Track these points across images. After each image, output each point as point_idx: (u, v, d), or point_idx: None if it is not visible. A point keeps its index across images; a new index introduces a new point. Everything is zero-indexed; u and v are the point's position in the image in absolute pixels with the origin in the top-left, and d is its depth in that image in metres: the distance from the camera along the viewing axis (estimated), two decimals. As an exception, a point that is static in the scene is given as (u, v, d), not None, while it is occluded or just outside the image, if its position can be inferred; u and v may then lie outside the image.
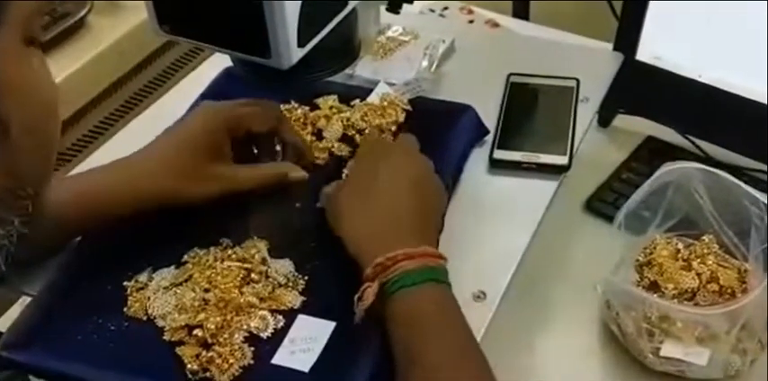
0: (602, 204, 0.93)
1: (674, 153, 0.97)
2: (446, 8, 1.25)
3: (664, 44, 0.93)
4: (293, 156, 0.77)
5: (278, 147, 0.78)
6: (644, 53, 0.94)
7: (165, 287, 0.72)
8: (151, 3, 0.58)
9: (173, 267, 0.73)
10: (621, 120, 1.04)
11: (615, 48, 0.96)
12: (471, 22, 1.22)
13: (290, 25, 0.55)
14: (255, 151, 0.78)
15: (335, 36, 0.62)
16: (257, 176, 0.74)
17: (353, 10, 0.64)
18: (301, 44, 0.58)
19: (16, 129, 0.36)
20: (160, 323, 0.70)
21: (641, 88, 0.96)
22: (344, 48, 0.67)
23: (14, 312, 0.74)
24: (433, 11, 1.23)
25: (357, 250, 0.66)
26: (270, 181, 0.74)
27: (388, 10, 0.71)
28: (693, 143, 0.99)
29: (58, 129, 0.42)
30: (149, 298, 0.71)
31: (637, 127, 1.03)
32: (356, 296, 0.63)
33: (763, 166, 0.94)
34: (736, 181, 0.75)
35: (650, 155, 0.98)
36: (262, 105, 0.77)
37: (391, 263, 0.63)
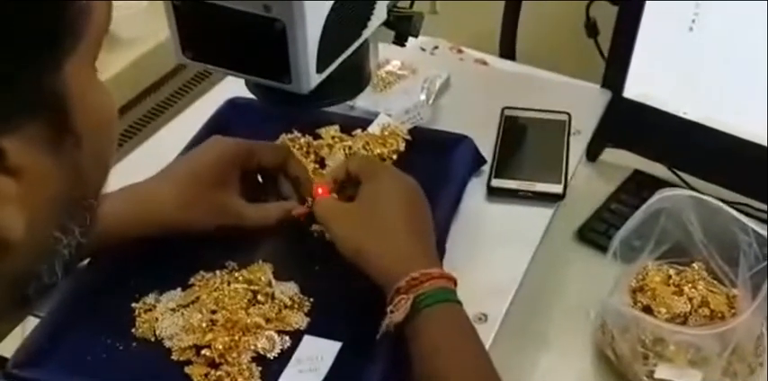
0: (594, 234, 0.96)
1: (660, 185, 1.00)
2: (436, 47, 1.28)
3: (650, 82, 0.96)
4: (296, 190, 0.78)
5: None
6: (631, 90, 0.98)
7: (172, 309, 0.73)
8: (176, 30, 0.61)
9: (179, 289, 0.75)
10: (608, 155, 1.07)
11: (603, 86, 1.00)
12: (461, 60, 1.26)
13: (310, 52, 0.58)
14: (260, 180, 0.79)
15: (350, 65, 0.65)
16: (262, 217, 0.75)
17: (365, 41, 0.67)
18: (319, 70, 0.60)
19: (86, 142, 0.39)
20: (167, 343, 0.71)
21: (628, 124, 1.00)
22: (357, 77, 0.70)
23: (18, 332, 0.74)
24: (423, 50, 1.27)
25: (382, 267, 0.67)
26: (273, 221, 0.75)
27: (394, 42, 0.74)
28: (678, 176, 1.02)
29: (116, 143, 0.44)
30: (157, 319, 0.72)
31: (623, 161, 1.06)
32: (388, 309, 0.65)
33: (745, 199, 0.97)
34: (725, 208, 0.78)
35: (638, 187, 1.01)
36: (270, 144, 0.79)
37: (426, 279, 0.65)
